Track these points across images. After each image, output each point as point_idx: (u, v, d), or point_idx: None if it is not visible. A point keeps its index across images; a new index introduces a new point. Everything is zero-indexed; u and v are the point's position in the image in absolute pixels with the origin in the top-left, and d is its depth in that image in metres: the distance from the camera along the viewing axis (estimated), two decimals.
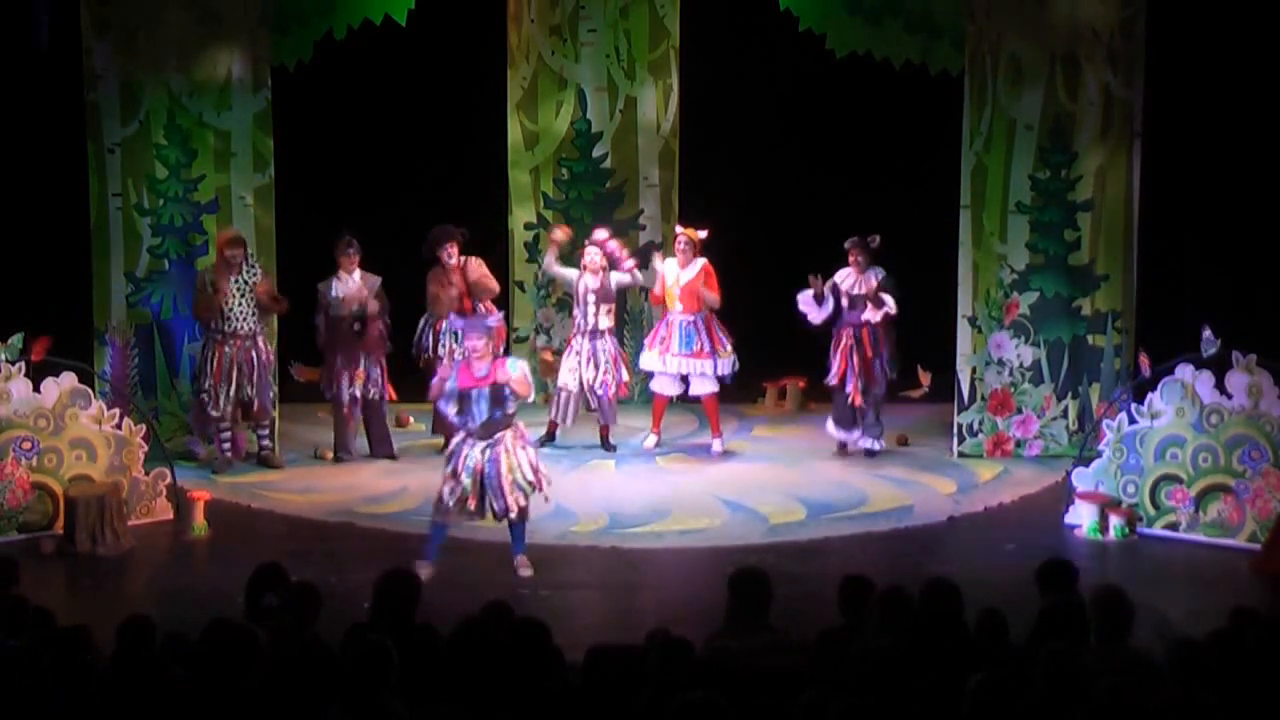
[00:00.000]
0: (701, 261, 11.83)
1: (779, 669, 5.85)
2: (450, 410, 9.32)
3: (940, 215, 12.10)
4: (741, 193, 13.83)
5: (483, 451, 9.22)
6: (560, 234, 12.19)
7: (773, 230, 13.82)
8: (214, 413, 11.43)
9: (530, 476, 9.31)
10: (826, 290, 11.60)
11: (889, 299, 11.51)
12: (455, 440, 9.40)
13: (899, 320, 11.69)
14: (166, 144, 11.75)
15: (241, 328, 11.41)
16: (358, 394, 11.74)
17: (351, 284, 11.68)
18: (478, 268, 11.80)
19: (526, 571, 9.39)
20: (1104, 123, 11.73)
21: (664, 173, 13.58)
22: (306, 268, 11.90)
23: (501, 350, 10.19)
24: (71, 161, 11.89)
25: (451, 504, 9.23)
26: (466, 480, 9.18)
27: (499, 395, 9.19)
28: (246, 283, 11.40)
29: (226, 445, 11.61)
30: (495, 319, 9.93)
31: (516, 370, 9.24)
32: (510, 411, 9.27)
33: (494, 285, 11.87)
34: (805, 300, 11.66)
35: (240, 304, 11.36)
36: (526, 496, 9.32)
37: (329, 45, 12.21)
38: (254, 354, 11.46)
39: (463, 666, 5.72)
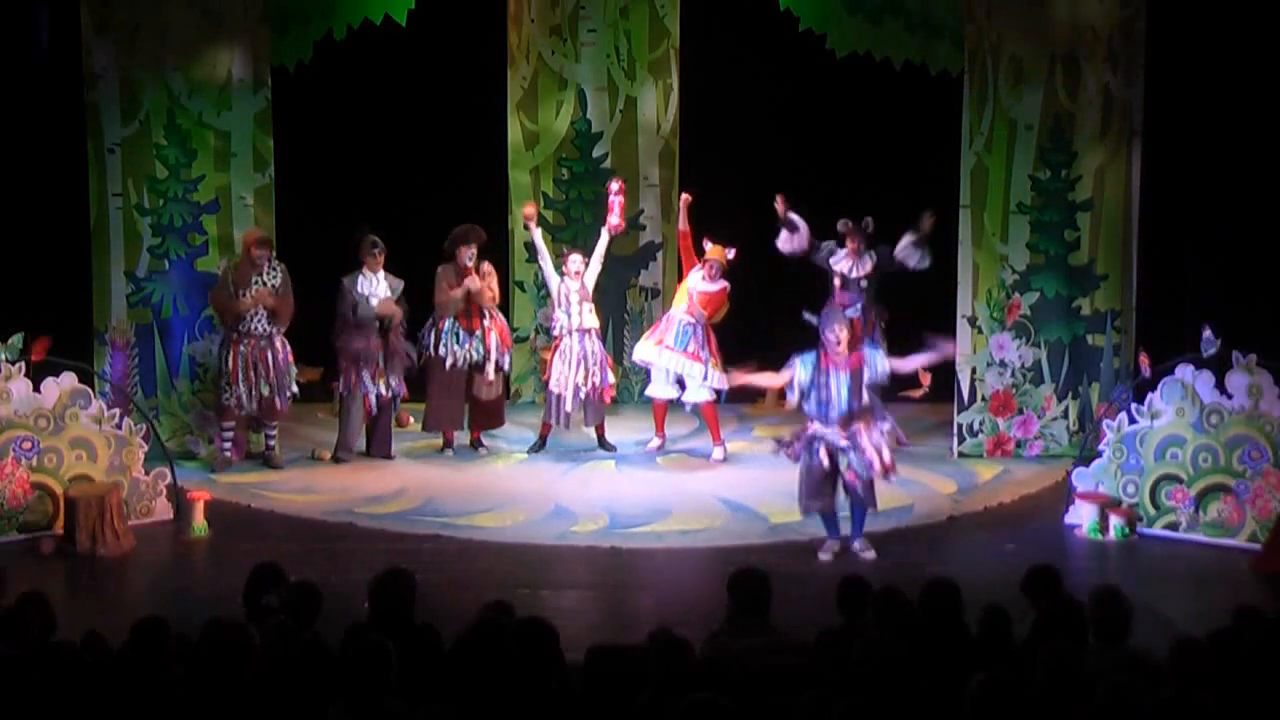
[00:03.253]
0: (724, 283, 11.84)
1: (779, 669, 5.85)
2: (803, 402, 9.56)
3: (940, 215, 12.09)
4: (741, 193, 13.81)
5: (845, 439, 9.47)
6: (530, 209, 12.19)
7: (772, 230, 13.79)
8: (239, 411, 11.42)
9: (879, 462, 9.50)
10: (788, 215, 11.66)
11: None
12: (808, 433, 9.56)
13: (897, 321, 11.70)
14: (166, 144, 11.75)
15: (257, 327, 11.39)
16: (383, 391, 11.74)
17: (378, 283, 11.68)
18: (488, 274, 11.83)
19: (870, 554, 9.64)
20: (1103, 122, 11.74)
21: (664, 173, 13.59)
22: (306, 267, 11.88)
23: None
24: (71, 161, 11.89)
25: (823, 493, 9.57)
26: (827, 462, 9.48)
27: (858, 385, 9.39)
28: (267, 284, 11.38)
29: (227, 445, 11.61)
30: (853, 310, 10.37)
31: (879, 361, 9.51)
32: (867, 402, 9.47)
33: (494, 295, 11.91)
34: (782, 240, 11.72)
35: (258, 304, 11.37)
36: (871, 483, 9.57)
37: (329, 45, 12.21)
38: (269, 354, 11.43)
39: (465, 666, 5.73)
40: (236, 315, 11.33)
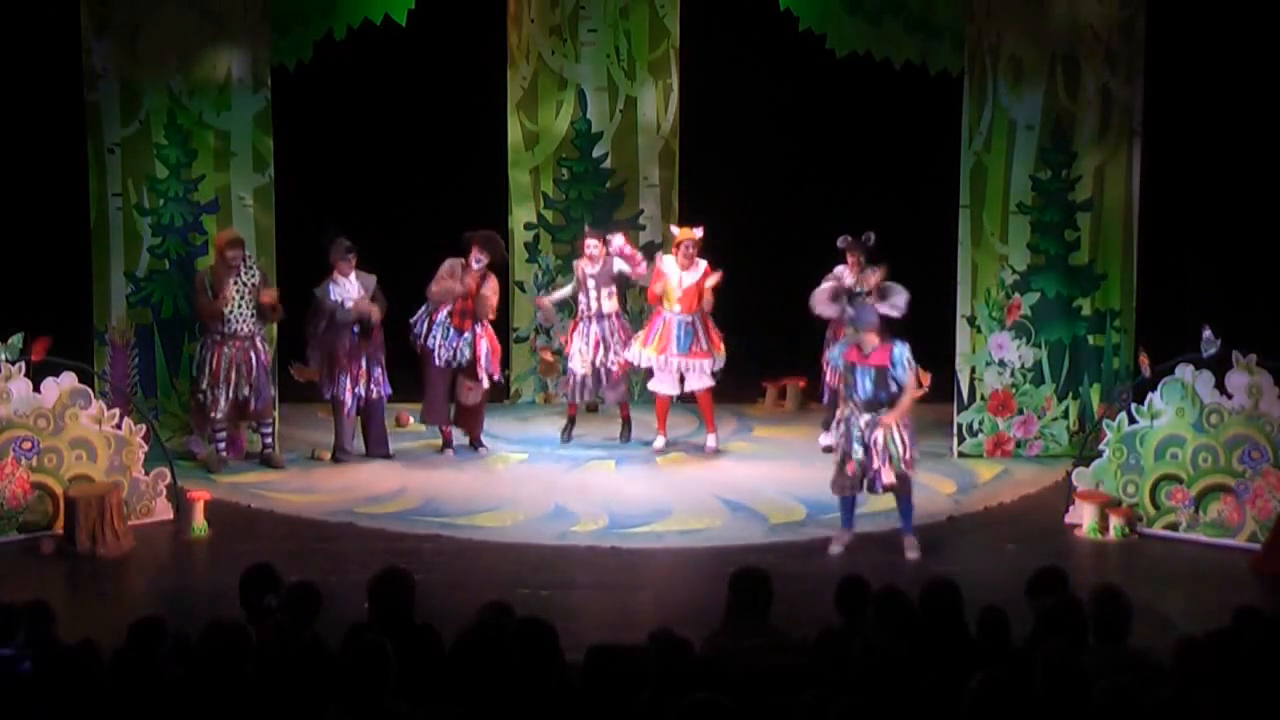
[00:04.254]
0: (704, 264, 11.84)
1: (779, 669, 5.85)
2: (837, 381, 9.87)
3: (940, 215, 12.10)
4: (741, 193, 13.83)
5: (866, 424, 9.58)
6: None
7: (772, 230, 13.83)
8: (214, 414, 11.44)
9: (903, 454, 9.61)
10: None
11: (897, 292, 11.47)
12: (841, 411, 9.76)
13: (899, 321, 11.69)
14: (166, 144, 11.75)
15: (241, 329, 11.41)
16: (361, 393, 11.73)
17: (350, 286, 11.66)
18: (492, 287, 11.80)
19: (914, 554, 9.70)
20: (1103, 122, 11.74)
21: (664, 173, 13.58)
22: (306, 268, 11.88)
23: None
24: (71, 161, 11.89)
25: (851, 476, 9.67)
26: (859, 451, 9.59)
27: (883, 378, 9.57)
28: (246, 284, 11.40)
29: (222, 445, 11.61)
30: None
31: (902, 361, 9.62)
32: (895, 392, 9.61)
33: (492, 310, 11.87)
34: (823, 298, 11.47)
35: (240, 305, 11.36)
36: (899, 475, 9.61)
37: (329, 45, 12.20)
38: (252, 355, 11.46)
39: (465, 667, 5.72)
40: (217, 316, 11.33)
